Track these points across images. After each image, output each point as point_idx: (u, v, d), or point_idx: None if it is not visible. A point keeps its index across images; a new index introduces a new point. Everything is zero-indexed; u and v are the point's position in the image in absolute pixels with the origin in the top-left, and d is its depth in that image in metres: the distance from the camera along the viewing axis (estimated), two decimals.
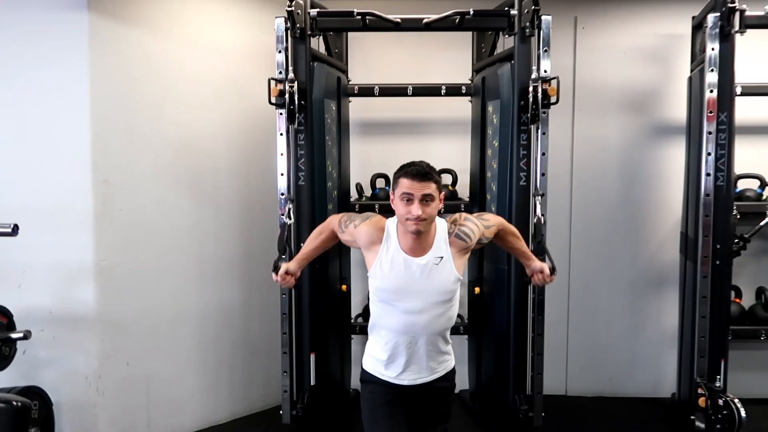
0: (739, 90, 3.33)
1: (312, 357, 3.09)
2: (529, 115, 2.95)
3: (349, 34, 3.80)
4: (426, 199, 1.99)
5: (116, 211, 3.17)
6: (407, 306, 2.08)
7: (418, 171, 1.99)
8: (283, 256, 2.77)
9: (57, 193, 3.09)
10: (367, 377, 2.23)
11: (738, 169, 3.23)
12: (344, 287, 3.59)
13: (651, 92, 3.97)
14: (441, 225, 2.15)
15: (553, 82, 2.89)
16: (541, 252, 2.80)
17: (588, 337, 4.10)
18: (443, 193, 2.10)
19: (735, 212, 3.27)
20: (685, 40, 3.70)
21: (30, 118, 3.08)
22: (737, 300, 3.75)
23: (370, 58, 3.96)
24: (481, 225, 2.21)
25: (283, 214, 2.97)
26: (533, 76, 2.95)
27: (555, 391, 4.05)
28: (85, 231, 3.09)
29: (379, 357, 2.17)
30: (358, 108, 3.89)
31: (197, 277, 3.53)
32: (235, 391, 3.75)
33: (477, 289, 3.58)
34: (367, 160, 3.96)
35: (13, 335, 2.76)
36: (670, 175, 3.91)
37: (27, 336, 2.79)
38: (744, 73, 3.28)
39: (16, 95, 3.08)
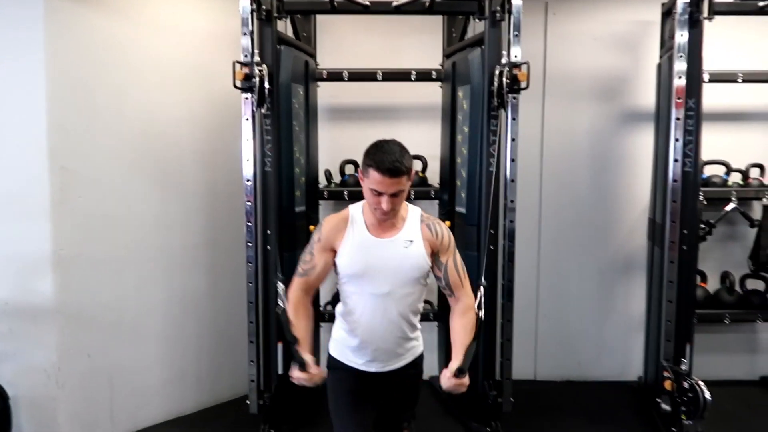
0: (707, 77, 3.34)
1: (279, 346, 3.04)
2: (499, 100, 2.92)
3: (319, 18, 3.72)
4: (395, 194, 1.94)
5: (76, 198, 3.07)
6: (374, 288, 2.04)
7: (390, 169, 1.89)
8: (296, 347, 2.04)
9: (11, 180, 2.98)
10: (333, 363, 2.20)
11: (705, 155, 3.26)
12: None
13: (621, 79, 3.97)
14: (414, 210, 2.12)
15: (524, 67, 2.86)
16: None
17: (557, 323, 4.13)
18: (413, 173, 2.04)
19: (701, 198, 3.30)
20: (655, 26, 3.70)
21: None
22: (702, 284, 3.82)
23: (341, 43, 3.88)
24: (453, 251, 2.11)
25: (279, 299, 2.22)
26: (503, 60, 2.92)
27: (524, 376, 4.07)
28: (42, 219, 2.98)
29: (347, 342, 2.14)
30: (327, 93, 3.82)
31: (161, 266, 3.44)
32: (202, 381, 3.68)
33: None
34: (336, 146, 3.89)
35: None
36: (639, 162, 3.94)
37: None
38: (712, 61, 3.30)
39: None
